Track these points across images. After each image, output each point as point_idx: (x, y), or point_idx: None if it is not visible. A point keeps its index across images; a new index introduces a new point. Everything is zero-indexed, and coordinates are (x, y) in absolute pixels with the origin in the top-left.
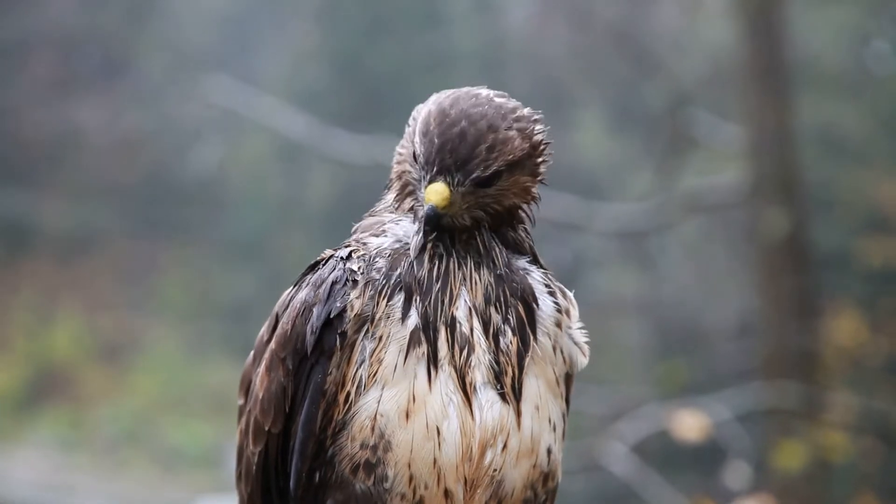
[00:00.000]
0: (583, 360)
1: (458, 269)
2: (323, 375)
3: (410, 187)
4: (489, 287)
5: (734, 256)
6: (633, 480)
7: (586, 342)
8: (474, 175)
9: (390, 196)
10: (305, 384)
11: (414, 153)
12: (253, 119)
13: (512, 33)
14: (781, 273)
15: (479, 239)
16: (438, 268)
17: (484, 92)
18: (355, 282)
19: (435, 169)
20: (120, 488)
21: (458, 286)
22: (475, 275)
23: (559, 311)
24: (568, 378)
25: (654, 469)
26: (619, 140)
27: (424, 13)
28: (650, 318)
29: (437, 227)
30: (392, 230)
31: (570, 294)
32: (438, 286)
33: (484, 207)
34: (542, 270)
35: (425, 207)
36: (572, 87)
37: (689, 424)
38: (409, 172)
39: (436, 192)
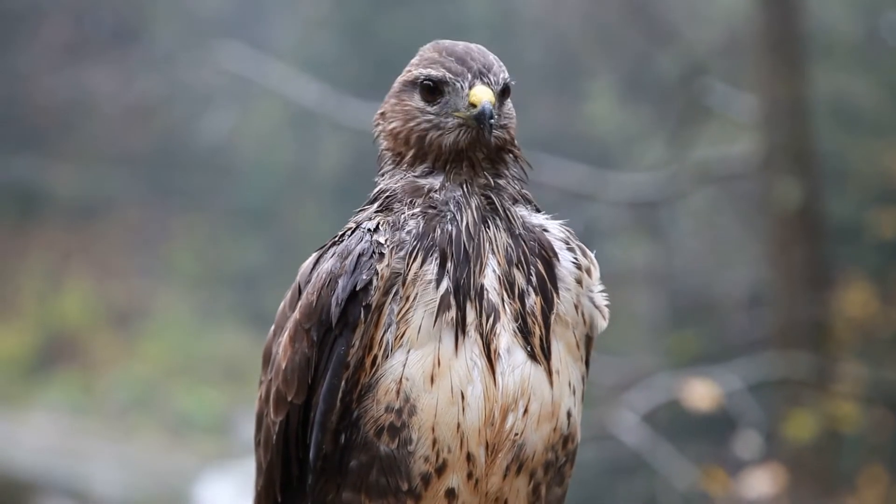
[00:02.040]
0: (602, 324)
1: (486, 230)
2: (346, 347)
3: (420, 137)
4: (509, 248)
5: (746, 227)
6: (643, 450)
7: (606, 305)
8: (501, 76)
9: (392, 169)
10: (329, 356)
11: (430, 81)
12: (264, 86)
13: (525, 3)
14: (793, 244)
15: (495, 195)
16: (469, 229)
17: None
18: (382, 254)
19: (469, 75)
20: (129, 453)
21: (486, 253)
22: (498, 235)
23: (579, 268)
24: (588, 341)
25: (664, 438)
26: (631, 110)
27: None
28: (662, 288)
29: (490, 129)
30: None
31: (592, 254)
32: (471, 251)
33: (500, 128)
34: (562, 226)
35: (479, 106)
36: (585, 56)
37: (700, 394)
38: (419, 117)
39: (483, 92)
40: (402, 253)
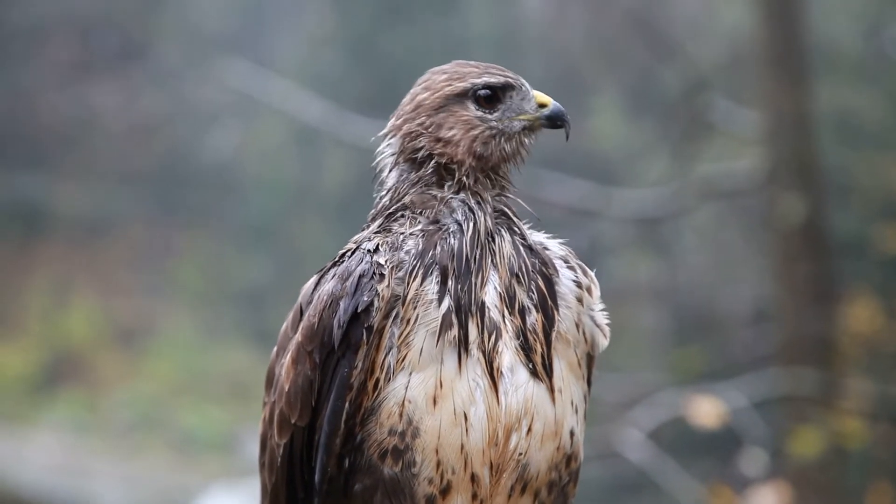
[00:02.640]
0: (604, 342)
1: (491, 241)
2: (349, 369)
3: (485, 143)
4: (512, 259)
5: (750, 242)
6: (648, 467)
7: (607, 324)
8: None
9: (408, 176)
10: (332, 378)
11: (489, 89)
12: (269, 103)
13: (529, 18)
14: (797, 259)
15: (506, 207)
16: (473, 239)
17: None
18: (382, 275)
19: (523, 80)
20: (134, 472)
21: (488, 267)
22: (503, 246)
23: (580, 286)
24: (590, 359)
25: (669, 456)
26: (635, 125)
27: None
28: (666, 304)
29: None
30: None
31: (592, 273)
32: (473, 263)
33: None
34: (561, 244)
35: (550, 104)
36: (589, 72)
37: (705, 411)
38: (481, 125)
39: (544, 96)
40: (401, 273)
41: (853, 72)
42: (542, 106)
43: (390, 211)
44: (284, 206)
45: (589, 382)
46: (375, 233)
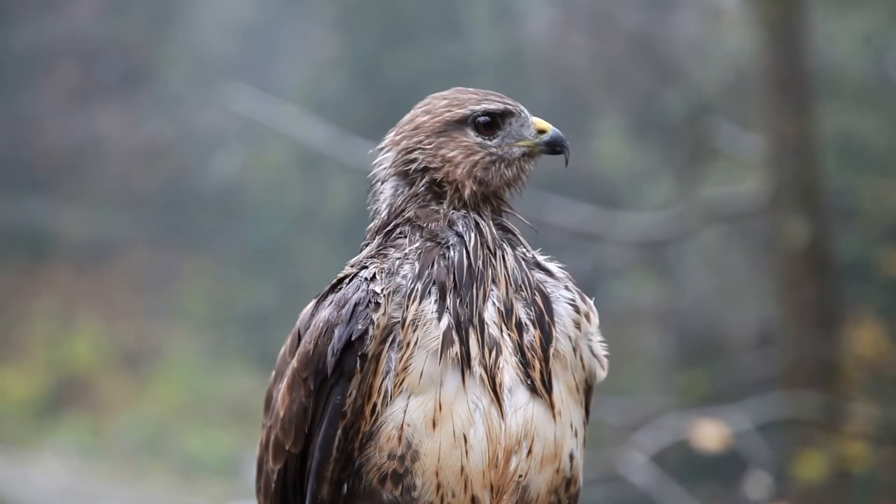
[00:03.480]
0: (601, 374)
1: (493, 255)
2: (342, 397)
3: (485, 169)
4: (516, 271)
5: (754, 266)
6: (652, 490)
7: (606, 355)
8: None
9: (407, 201)
10: (325, 405)
11: (488, 115)
12: (272, 127)
13: (532, 42)
14: (802, 283)
15: (509, 226)
16: (474, 251)
17: None
18: (378, 304)
19: (522, 106)
20: (139, 496)
21: (488, 280)
22: (507, 258)
23: (577, 311)
24: (587, 388)
25: (673, 479)
26: (638, 149)
27: (444, 21)
28: (670, 327)
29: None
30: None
31: (590, 301)
32: (474, 274)
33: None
34: (560, 268)
35: (550, 130)
36: (592, 95)
37: (710, 434)
38: (481, 151)
39: (543, 122)
40: (398, 298)
41: (857, 95)
42: (541, 132)
43: (389, 228)
44: (288, 229)
45: (587, 411)
46: (372, 257)
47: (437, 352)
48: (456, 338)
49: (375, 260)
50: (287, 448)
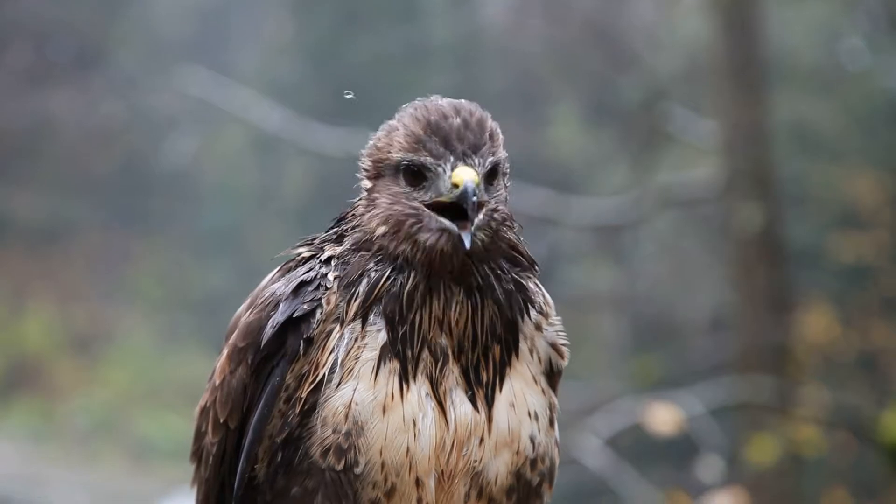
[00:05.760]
0: (562, 363)
1: (440, 300)
2: (281, 379)
3: (398, 222)
4: (470, 306)
5: (708, 251)
6: (606, 474)
7: (564, 344)
8: (489, 160)
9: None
10: (264, 385)
11: (410, 162)
12: (228, 111)
13: (488, 27)
14: (755, 268)
15: (476, 271)
16: (419, 297)
17: (446, 100)
18: (327, 287)
19: (452, 157)
20: (92, 480)
21: (437, 318)
22: (460, 304)
23: (541, 313)
24: (550, 375)
25: (627, 462)
26: (594, 134)
27: (401, 6)
28: (624, 312)
29: (474, 206)
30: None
31: (548, 296)
32: (415, 313)
33: (492, 215)
34: (535, 276)
35: (462, 186)
36: (547, 81)
37: (663, 418)
38: (404, 202)
39: (466, 172)
40: (346, 296)
41: (810, 83)
42: (455, 186)
43: (354, 224)
44: (243, 213)
45: (555, 392)
46: (333, 241)
47: (375, 362)
48: (393, 353)
49: (333, 243)
50: (223, 421)
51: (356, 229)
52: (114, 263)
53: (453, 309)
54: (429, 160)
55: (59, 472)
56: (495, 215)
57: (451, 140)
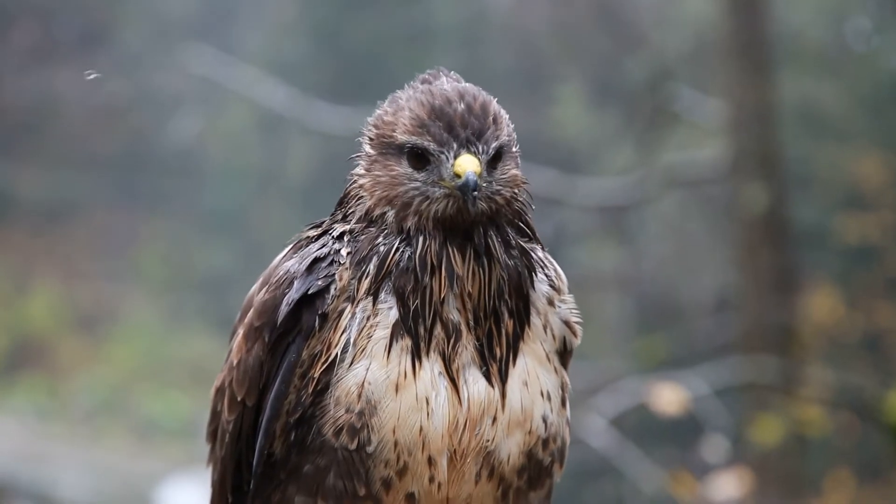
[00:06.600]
0: (575, 341)
1: (452, 258)
2: (297, 355)
3: (405, 203)
4: (482, 273)
5: (713, 232)
6: (611, 454)
7: (577, 322)
8: (492, 145)
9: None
10: (280, 361)
11: (414, 146)
12: (233, 90)
13: (493, 7)
14: (760, 249)
15: (483, 233)
16: (432, 257)
17: (451, 83)
18: (340, 263)
19: (455, 144)
20: (96, 458)
21: (450, 275)
22: (470, 264)
23: (553, 287)
24: (563, 354)
25: (632, 442)
26: (599, 114)
27: None
28: (630, 292)
29: (474, 200)
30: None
31: (561, 272)
32: (428, 276)
33: (489, 198)
34: (542, 250)
35: (463, 177)
36: (553, 61)
37: (668, 398)
38: (407, 184)
39: (469, 162)
40: (357, 273)
41: (816, 63)
42: (457, 176)
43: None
44: (248, 192)
45: (566, 369)
46: (341, 220)
47: (387, 340)
48: (404, 330)
49: (342, 223)
50: (240, 399)
51: (360, 201)
52: (118, 242)
53: (464, 271)
54: (432, 146)
55: (63, 450)
56: (497, 198)
57: (454, 126)
